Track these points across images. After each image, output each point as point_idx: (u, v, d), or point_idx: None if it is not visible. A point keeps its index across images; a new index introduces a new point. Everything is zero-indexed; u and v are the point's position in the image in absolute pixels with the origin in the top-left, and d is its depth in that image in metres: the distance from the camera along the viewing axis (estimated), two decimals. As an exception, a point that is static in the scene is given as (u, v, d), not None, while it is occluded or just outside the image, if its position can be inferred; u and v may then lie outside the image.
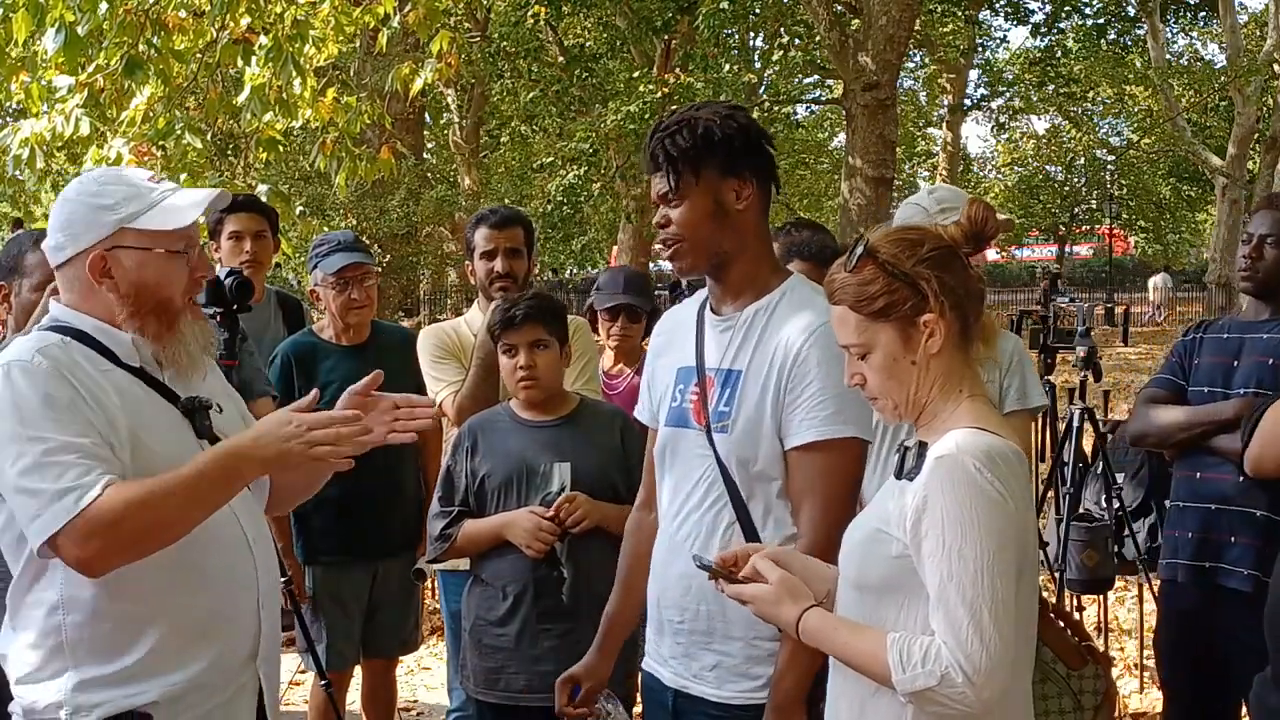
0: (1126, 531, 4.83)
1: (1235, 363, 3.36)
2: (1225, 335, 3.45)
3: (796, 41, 20.77)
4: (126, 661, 2.09)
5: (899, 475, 2.01)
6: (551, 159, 18.51)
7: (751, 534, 2.39)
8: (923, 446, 1.97)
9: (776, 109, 22.88)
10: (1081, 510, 4.85)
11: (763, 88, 23.31)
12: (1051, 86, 27.15)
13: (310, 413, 2.08)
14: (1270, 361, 3.29)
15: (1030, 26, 24.99)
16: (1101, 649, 5.32)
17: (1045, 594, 6.07)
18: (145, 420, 2.13)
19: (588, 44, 19.69)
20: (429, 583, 4.83)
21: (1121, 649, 5.86)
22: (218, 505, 2.10)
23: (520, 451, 3.19)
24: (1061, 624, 2.83)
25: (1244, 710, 3.28)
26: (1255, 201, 3.64)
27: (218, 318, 3.75)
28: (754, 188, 2.44)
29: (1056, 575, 4.74)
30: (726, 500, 2.43)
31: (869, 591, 1.98)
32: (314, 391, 2.22)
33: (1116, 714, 5.09)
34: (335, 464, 2.14)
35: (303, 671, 5.06)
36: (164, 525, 2.03)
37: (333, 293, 4.00)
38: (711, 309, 2.54)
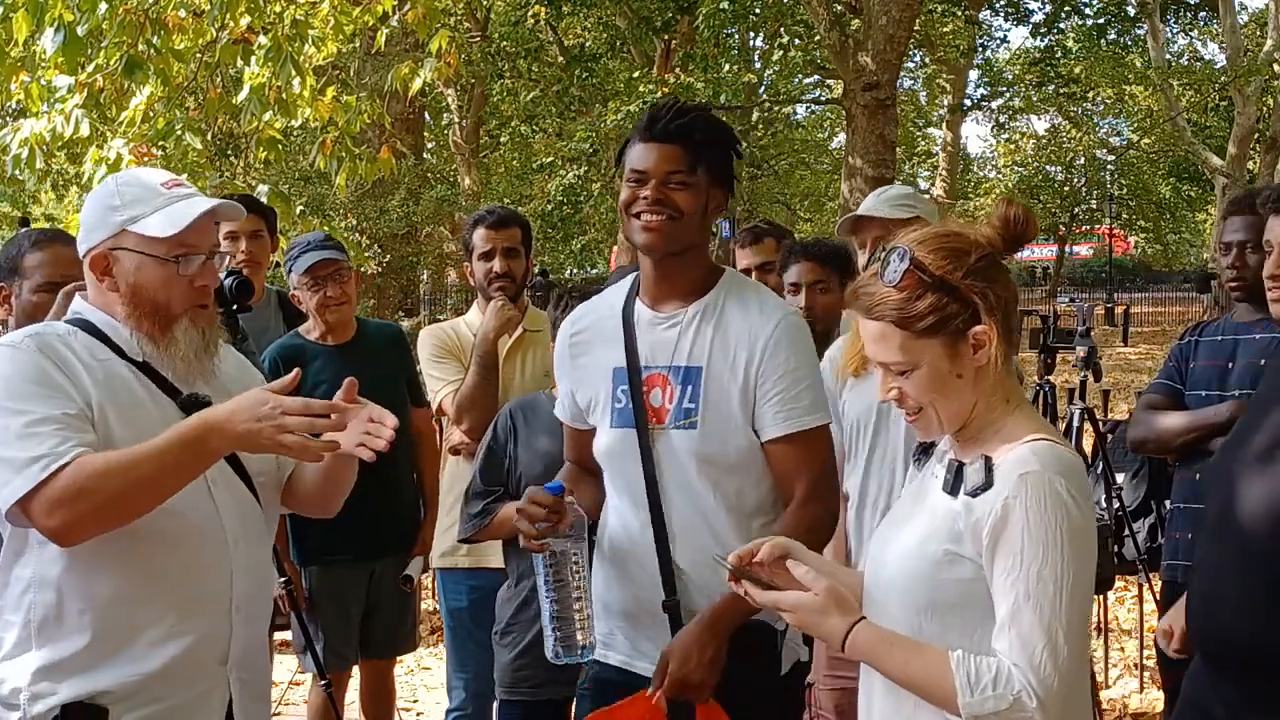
0: (1126, 532, 4.81)
1: (1230, 365, 3.38)
2: (1220, 338, 3.48)
3: (796, 41, 20.75)
4: (83, 644, 2.10)
5: (956, 491, 1.88)
6: (551, 159, 18.51)
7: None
8: (988, 460, 1.85)
9: (776, 109, 22.90)
10: (1081, 510, 4.84)
11: (763, 88, 23.30)
12: (1051, 86, 27.10)
13: (288, 397, 2.05)
14: (1263, 362, 3.30)
15: (1030, 26, 24.93)
16: (1102, 649, 5.33)
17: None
18: (127, 411, 2.14)
19: (588, 44, 19.70)
20: (428, 583, 4.83)
21: (1122, 649, 5.86)
22: (188, 477, 2.09)
23: (557, 453, 2.96)
24: None
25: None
26: (1226, 207, 3.62)
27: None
28: (723, 200, 2.50)
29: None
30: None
31: (936, 614, 1.86)
32: (295, 371, 2.17)
33: (1117, 715, 5.09)
34: (304, 458, 2.11)
35: (303, 671, 5.06)
36: (132, 493, 2.04)
37: (308, 293, 3.99)
38: (647, 305, 2.52)
